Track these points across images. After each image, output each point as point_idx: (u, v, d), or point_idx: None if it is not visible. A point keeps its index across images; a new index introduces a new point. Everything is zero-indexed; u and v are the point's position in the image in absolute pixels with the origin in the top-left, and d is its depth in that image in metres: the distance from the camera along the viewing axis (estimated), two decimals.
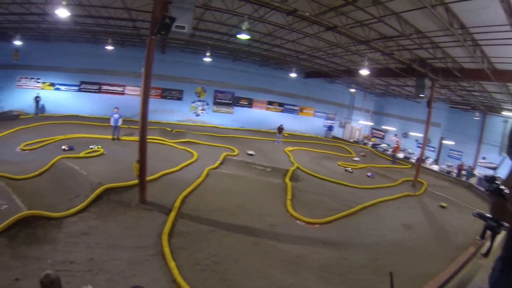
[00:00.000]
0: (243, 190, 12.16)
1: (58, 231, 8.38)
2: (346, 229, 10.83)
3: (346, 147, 25.60)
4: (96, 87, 25.10)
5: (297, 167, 16.06)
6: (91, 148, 14.95)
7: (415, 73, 16.22)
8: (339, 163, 19.30)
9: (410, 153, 28.34)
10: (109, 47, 21.71)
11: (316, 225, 10.72)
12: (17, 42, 21.09)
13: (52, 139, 16.34)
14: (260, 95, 28.50)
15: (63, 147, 14.86)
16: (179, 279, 6.73)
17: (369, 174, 18.73)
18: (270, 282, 7.36)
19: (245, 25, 12.53)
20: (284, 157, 18.58)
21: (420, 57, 14.99)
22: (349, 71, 21.75)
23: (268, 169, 14.72)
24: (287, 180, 13.68)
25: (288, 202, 11.75)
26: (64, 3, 12.13)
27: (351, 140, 30.93)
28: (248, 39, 15.04)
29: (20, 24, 18.94)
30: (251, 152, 16.61)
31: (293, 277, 7.70)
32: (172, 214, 9.39)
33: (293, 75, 25.90)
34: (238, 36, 13.95)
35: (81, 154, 13.94)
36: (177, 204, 10.03)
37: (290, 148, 20.60)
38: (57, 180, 11.23)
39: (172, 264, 7.18)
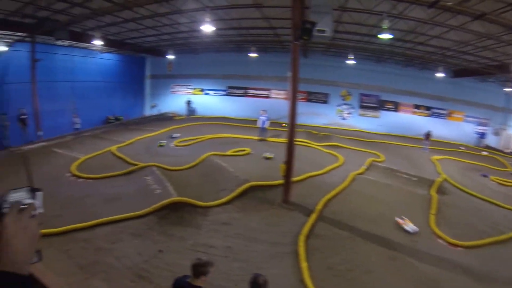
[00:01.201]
0: (386, 198, 11.59)
1: (203, 218, 9.49)
2: (493, 258, 8.92)
3: (501, 158, 21.47)
4: (242, 91, 27.12)
5: (445, 179, 14.53)
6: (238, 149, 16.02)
7: None
8: (492, 177, 16.49)
9: None
10: (253, 54, 23.17)
11: (459, 248, 9.19)
12: (170, 56, 25.45)
13: (202, 138, 18.36)
14: (405, 98, 25.90)
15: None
16: (307, 279, 6.83)
17: None
18: None
19: (385, 24, 12.05)
20: (430, 166, 17.00)
21: None
22: (503, 66, 17.92)
23: (414, 179, 13.68)
24: (432, 192, 12.44)
25: (432, 217, 10.56)
26: (208, 20, 13.62)
27: (507, 151, 25.07)
28: (390, 39, 14.21)
29: (171, 41, 22.57)
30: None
31: None
32: (313, 216, 9.50)
33: (439, 75, 22.62)
34: (379, 36, 13.43)
35: (229, 152, 15.22)
36: (319, 206, 10.08)
37: (437, 157, 18.61)
38: (206, 174, 12.55)
39: (304, 265, 7.30)
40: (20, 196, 1.07)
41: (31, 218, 1.03)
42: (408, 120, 26.10)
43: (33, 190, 1.13)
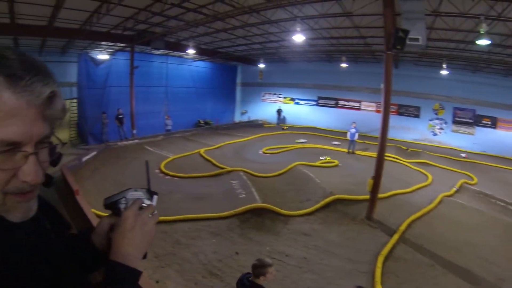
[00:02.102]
0: (475, 226, 10.23)
1: (284, 226, 9.39)
2: None
3: None
4: (333, 102, 26.48)
5: None
6: (322, 159, 15.85)
7: None
8: None
9: None
10: (343, 64, 22.65)
11: None
12: (261, 65, 26.04)
13: (290, 147, 18.39)
14: (505, 113, 21.83)
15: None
16: None
17: None
18: None
19: (482, 28, 10.78)
20: None
21: None
22: None
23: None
24: None
25: None
26: (298, 29, 13.58)
27: None
28: (488, 45, 12.57)
29: (262, 51, 23.05)
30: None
31: None
32: (395, 237, 8.84)
33: None
34: (477, 42, 12.07)
35: (317, 163, 15.00)
36: (402, 227, 9.37)
37: None
38: (292, 183, 12.39)
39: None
40: (139, 195, 1.11)
41: (150, 217, 1.06)
42: (509, 139, 22.52)
43: (150, 193, 1.17)
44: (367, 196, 10.14)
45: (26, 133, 0.76)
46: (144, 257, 1.11)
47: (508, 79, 21.07)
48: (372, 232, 9.32)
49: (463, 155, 19.42)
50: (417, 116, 24.25)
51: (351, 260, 7.90)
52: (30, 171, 0.79)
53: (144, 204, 1.08)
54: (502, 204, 12.07)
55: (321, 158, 15.98)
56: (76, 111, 20.44)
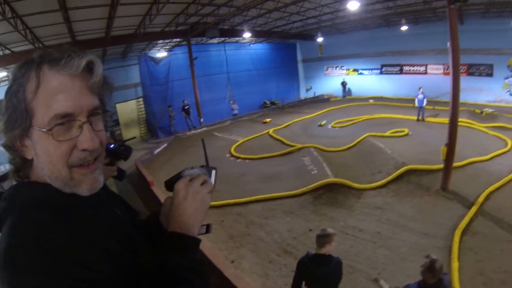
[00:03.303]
0: None
1: (356, 201, 9.41)
2: None
3: None
4: (397, 68, 25.10)
5: None
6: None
7: None
8: None
9: None
10: (403, 27, 21.31)
11: None
12: (319, 39, 25.04)
13: (358, 119, 18.08)
14: None
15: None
16: (457, 284, 5.87)
17: None
18: None
19: None
20: None
21: None
22: None
23: None
24: None
25: None
26: None
27: None
28: None
29: (318, 24, 22.23)
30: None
31: None
32: (473, 209, 8.20)
33: None
34: None
35: (387, 134, 14.60)
36: (480, 199, 8.61)
37: None
38: (363, 155, 12.29)
39: (456, 265, 6.31)
40: (194, 172, 1.14)
41: (202, 186, 1.08)
42: None
43: (208, 168, 1.22)
44: (441, 166, 9.65)
45: (75, 104, 0.87)
46: (207, 230, 1.18)
47: None
48: (447, 204, 8.87)
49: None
50: (490, 75, 21.45)
51: (426, 235, 7.62)
52: (86, 138, 0.88)
53: (195, 175, 1.12)
54: None
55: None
56: (143, 109, 21.74)
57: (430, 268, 3.56)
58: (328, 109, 21.45)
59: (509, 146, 12.68)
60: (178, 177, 1.12)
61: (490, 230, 7.68)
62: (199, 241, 1.04)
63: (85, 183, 0.93)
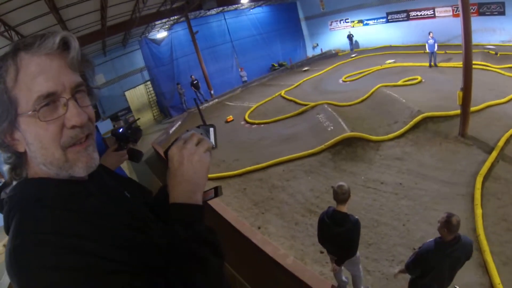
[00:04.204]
0: None
1: (375, 153, 9.40)
2: None
3: None
4: (403, 15, 24.16)
5: None
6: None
7: None
8: None
9: None
10: None
11: None
12: None
13: (369, 70, 17.76)
14: None
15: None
16: (481, 230, 5.79)
17: None
18: None
19: None
20: None
21: None
22: None
23: None
24: None
25: None
26: None
27: None
28: None
29: None
30: None
31: None
32: (493, 154, 8.03)
33: None
34: None
35: (400, 82, 14.30)
36: (500, 143, 8.40)
37: None
38: (377, 107, 12.12)
39: (479, 211, 6.23)
40: (189, 134, 1.06)
41: (197, 146, 1.02)
42: None
43: (204, 127, 1.16)
44: (458, 111, 9.40)
45: (57, 83, 0.86)
46: (216, 194, 1.11)
47: None
48: (467, 151, 8.72)
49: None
50: (502, 13, 20.15)
51: (447, 183, 7.57)
52: (72, 114, 0.87)
53: (187, 136, 1.06)
54: None
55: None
56: (153, 91, 21.98)
57: (446, 223, 3.48)
58: (337, 64, 21.19)
59: None
60: (175, 141, 1.07)
61: None
62: (202, 208, 1.00)
63: (81, 161, 0.91)
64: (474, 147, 8.79)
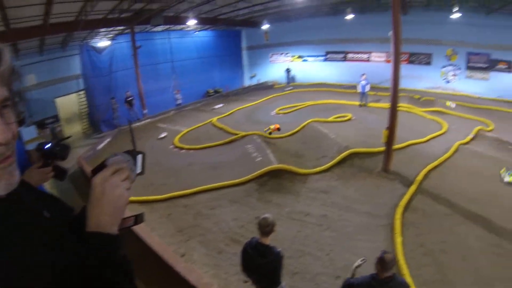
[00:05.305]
0: (494, 174, 9.76)
1: (302, 186, 9.50)
2: None
3: None
4: (341, 55, 25.71)
5: None
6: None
7: None
8: None
9: None
10: (349, 16, 21.73)
11: None
12: (265, 26, 25.02)
13: (302, 105, 18.34)
14: None
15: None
16: (401, 256, 6.23)
17: None
18: None
19: None
20: None
21: None
22: None
23: None
24: None
25: None
26: None
27: None
28: None
29: (264, 11, 22.32)
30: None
31: None
32: (412, 188, 8.75)
33: None
34: None
35: (331, 119, 14.92)
36: (419, 177, 9.22)
37: None
38: (307, 141, 12.45)
39: (399, 239, 6.74)
40: (118, 159, 1.04)
41: (122, 181, 1.01)
42: None
43: (133, 153, 1.13)
44: (383, 148, 10.04)
45: None
46: (136, 222, 1.12)
47: None
48: (389, 185, 9.27)
49: (451, 105, 18.01)
50: (428, 63, 23.10)
51: (370, 214, 7.95)
52: None
53: (116, 167, 1.02)
54: None
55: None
56: (85, 102, 20.58)
57: (380, 260, 3.58)
58: (271, 95, 21.69)
59: (444, 128, 13.69)
60: (101, 166, 1.03)
61: (429, 207, 8.23)
62: (117, 237, 0.98)
63: (3, 178, 0.86)
64: (396, 182, 9.38)
